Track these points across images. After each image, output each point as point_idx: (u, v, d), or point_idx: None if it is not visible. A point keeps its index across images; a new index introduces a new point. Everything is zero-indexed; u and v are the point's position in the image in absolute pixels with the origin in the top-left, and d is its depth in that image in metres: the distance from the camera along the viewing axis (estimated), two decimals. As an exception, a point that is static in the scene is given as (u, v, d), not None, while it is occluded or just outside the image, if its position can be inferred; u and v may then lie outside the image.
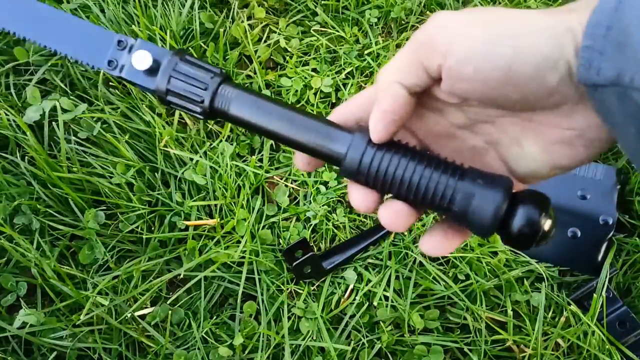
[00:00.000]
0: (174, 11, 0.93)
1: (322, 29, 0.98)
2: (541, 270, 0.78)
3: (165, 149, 0.84)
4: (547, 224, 0.32)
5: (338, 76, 0.93)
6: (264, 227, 0.82)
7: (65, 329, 0.73)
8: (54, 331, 0.74)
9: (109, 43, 0.41)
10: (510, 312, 0.74)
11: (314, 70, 0.94)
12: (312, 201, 0.84)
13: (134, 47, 0.40)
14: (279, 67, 0.97)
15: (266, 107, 0.37)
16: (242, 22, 0.95)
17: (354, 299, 0.77)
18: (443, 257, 0.79)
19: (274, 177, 0.86)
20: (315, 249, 0.82)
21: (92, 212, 0.80)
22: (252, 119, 0.37)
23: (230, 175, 0.82)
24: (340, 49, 0.96)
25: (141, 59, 0.39)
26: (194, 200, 0.82)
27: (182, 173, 0.83)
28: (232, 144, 0.86)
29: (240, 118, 0.38)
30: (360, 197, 0.35)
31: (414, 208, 0.34)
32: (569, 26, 0.28)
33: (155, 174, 0.84)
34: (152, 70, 0.39)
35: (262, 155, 0.87)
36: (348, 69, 0.94)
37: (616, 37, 0.26)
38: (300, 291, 0.78)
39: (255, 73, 0.92)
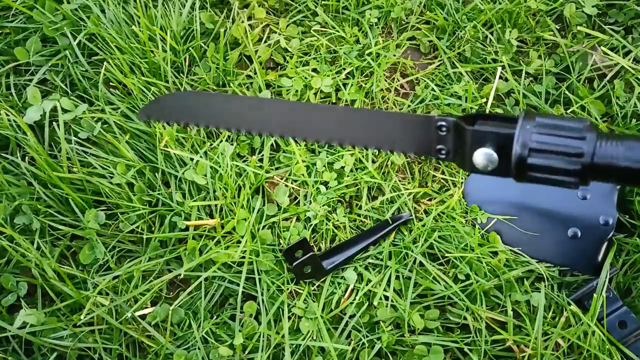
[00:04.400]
0: (174, 11, 0.93)
1: (323, 29, 0.98)
2: (541, 270, 0.78)
3: (166, 149, 0.84)
4: None
5: (338, 76, 0.93)
6: (264, 227, 0.82)
7: (66, 329, 0.74)
8: (54, 331, 0.74)
9: (430, 127, 0.40)
10: (510, 312, 0.74)
11: (314, 70, 0.94)
12: (312, 201, 0.84)
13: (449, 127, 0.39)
14: (279, 67, 0.97)
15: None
16: (243, 22, 0.95)
17: (354, 299, 0.77)
18: (443, 257, 0.80)
19: (275, 177, 0.86)
20: (316, 249, 0.82)
21: (92, 212, 0.80)
22: None
23: (231, 175, 0.82)
24: (341, 49, 0.96)
25: (483, 158, 0.37)
26: (195, 201, 0.82)
27: (183, 173, 0.83)
28: (232, 144, 0.86)
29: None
30: None
31: None
32: None
33: (156, 174, 0.84)
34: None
35: (263, 155, 0.87)
36: (348, 69, 0.94)
37: None
38: (301, 291, 0.78)
39: (255, 73, 0.92)
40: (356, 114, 0.44)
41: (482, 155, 0.37)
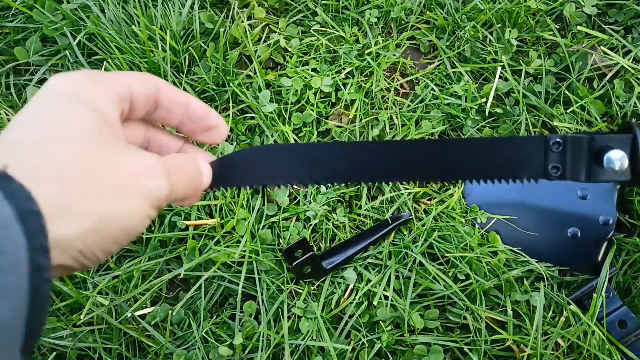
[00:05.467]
0: (174, 11, 0.93)
1: (323, 29, 0.98)
2: (541, 270, 0.78)
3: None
4: None
5: (338, 76, 0.93)
6: (264, 227, 0.82)
7: (66, 329, 0.74)
8: (54, 331, 0.74)
9: (542, 147, 0.41)
10: (510, 312, 0.74)
11: (314, 70, 0.94)
12: (312, 201, 0.84)
13: (567, 143, 0.40)
14: (279, 67, 0.97)
15: None
16: (243, 22, 0.95)
17: (354, 299, 0.77)
18: (443, 257, 0.80)
19: (274, 177, 0.86)
20: (315, 249, 0.82)
21: (92, 212, 0.80)
22: None
23: (231, 175, 0.82)
24: (341, 49, 0.96)
25: (616, 160, 0.40)
26: (194, 201, 0.82)
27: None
28: (232, 144, 0.86)
29: None
30: None
31: None
32: None
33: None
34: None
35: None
36: (348, 69, 0.94)
37: None
38: (300, 291, 0.78)
39: (255, 73, 0.92)
40: (456, 146, 0.42)
41: (612, 158, 0.40)
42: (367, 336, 0.75)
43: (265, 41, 0.96)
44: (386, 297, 0.77)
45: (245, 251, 0.77)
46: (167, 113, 0.39)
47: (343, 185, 0.42)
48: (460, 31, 0.97)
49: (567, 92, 0.90)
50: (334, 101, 0.93)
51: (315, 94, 0.92)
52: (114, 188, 0.30)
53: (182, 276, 0.78)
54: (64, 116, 0.31)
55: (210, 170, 0.40)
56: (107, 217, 0.30)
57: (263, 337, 0.74)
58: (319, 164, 0.42)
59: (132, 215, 0.31)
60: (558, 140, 0.40)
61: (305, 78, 0.92)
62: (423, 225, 0.81)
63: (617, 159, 0.40)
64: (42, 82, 0.92)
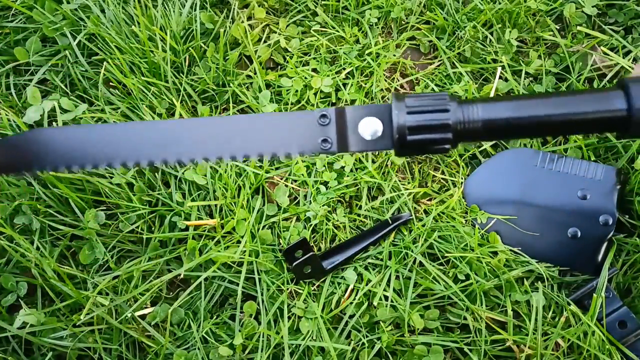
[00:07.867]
0: (174, 11, 0.93)
1: (322, 29, 0.98)
2: (541, 270, 0.78)
3: (166, 149, 0.84)
4: None
5: (338, 76, 0.93)
6: (264, 227, 0.82)
7: (66, 329, 0.74)
8: (54, 331, 0.74)
9: (312, 122, 0.43)
10: (510, 312, 0.74)
11: (314, 70, 0.94)
12: (312, 201, 0.84)
13: (330, 116, 0.42)
14: (279, 67, 0.97)
15: (517, 101, 0.39)
16: (242, 22, 0.95)
17: (354, 299, 0.77)
18: (443, 257, 0.80)
19: (274, 177, 0.86)
20: (315, 249, 0.82)
21: (92, 212, 0.80)
22: (515, 115, 0.39)
23: (231, 175, 0.82)
24: (340, 49, 0.96)
25: (369, 127, 0.41)
26: (194, 200, 0.82)
27: (183, 173, 0.83)
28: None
29: (499, 121, 0.39)
30: None
31: None
32: None
33: (156, 174, 0.84)
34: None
35: (262, 155, 0.87)
36: (348, 69, 0.94)
37: None
38: (300, 291, 0.78)
39: (255, 73, 0.92)
40: (230, 123, 0.44)
41: (367, 124, 0.42)
42: (367, 336, 0.75)
43: (265, 41, 0.96)
44: (386, 297, 0.77)
45: (245, 251, 0.77)
46: None
47: (133, 166, 0.43)
48: (460, 31, 0.97)
49: (567, 92, 0.90)
50: (334, 101, 0.93)
51: (315, 94, 0.92)
52: None
53: (182, 276, 0.78)
54: None
55: None
56: None
57: (263, 337, 0.74)
58: (100, 145, 0.43)
59: None
60: (324, 113, 0.43)
61: (305, 78, 0.92)
62: (423, 225, 0.81)
63: (372, 126, 0.42)
64: (42, 82, 0.92)
